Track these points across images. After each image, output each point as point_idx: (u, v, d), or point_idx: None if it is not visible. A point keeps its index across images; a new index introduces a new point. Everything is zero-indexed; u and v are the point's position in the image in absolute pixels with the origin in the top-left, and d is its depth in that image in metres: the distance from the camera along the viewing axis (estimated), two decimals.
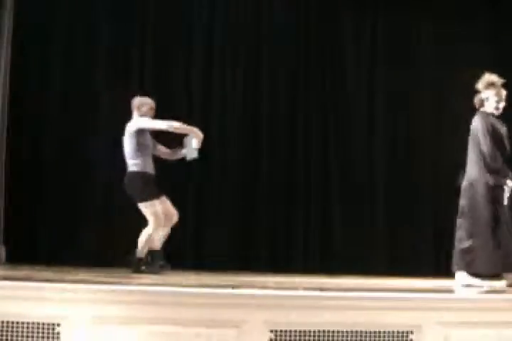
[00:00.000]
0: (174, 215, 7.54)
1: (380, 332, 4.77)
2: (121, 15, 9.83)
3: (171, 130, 7.39)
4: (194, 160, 7.70)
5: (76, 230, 9.31)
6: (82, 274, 6.64)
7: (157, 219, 7.32)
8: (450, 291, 6.00)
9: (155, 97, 7.85)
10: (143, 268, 7.30)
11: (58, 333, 4.47)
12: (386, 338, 4.77)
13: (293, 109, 10.37)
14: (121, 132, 7.59)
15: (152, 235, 7.35)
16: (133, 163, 7.45)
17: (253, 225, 9.94)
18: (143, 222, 7.43)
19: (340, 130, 10.46)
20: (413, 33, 10.84)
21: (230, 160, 10.00)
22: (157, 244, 7.49)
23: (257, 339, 4.58)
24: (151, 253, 7.46)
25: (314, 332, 4.66)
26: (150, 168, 7.50)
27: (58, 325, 4.48)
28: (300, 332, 4.63)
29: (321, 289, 5.34)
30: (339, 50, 10.63)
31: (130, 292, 4.69)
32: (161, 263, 7.48)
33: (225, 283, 6.02)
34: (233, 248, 9.64)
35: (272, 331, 4.61)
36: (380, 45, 10.72)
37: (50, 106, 9.57)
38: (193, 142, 7.43)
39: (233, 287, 5.16)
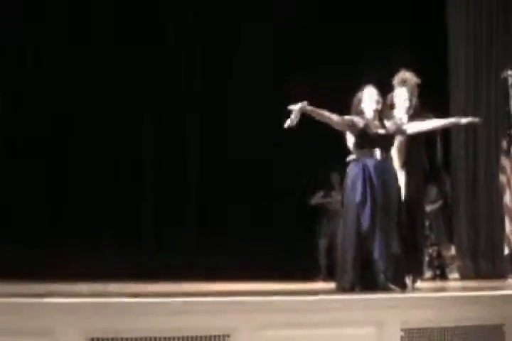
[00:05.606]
0: None
1: (197, 336, 4.68)
2: None
3: None
4: None
5: None
6: None
7: None
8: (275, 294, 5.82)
9: None
10: None
11: None
12: None
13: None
14: None
15: None
16: None
17: None
18: None
19: None
20: None
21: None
22: None
23: None
24: None
25: (132, 339, 4.49)
26: None
27: None
28: (118, 339, 4.45)
29: (135, 295, 5.18)
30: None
31: None
32: None
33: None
34: None
35: (88, 339, 4.40)
36: None
37: None
38: None
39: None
